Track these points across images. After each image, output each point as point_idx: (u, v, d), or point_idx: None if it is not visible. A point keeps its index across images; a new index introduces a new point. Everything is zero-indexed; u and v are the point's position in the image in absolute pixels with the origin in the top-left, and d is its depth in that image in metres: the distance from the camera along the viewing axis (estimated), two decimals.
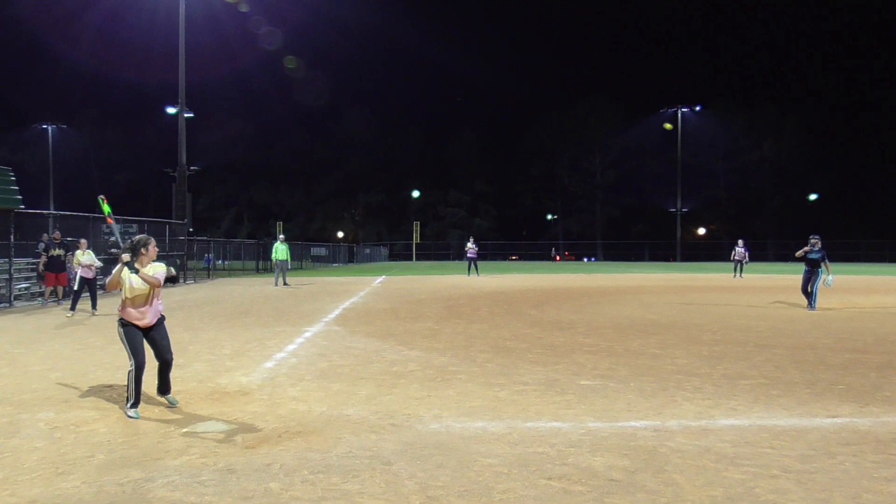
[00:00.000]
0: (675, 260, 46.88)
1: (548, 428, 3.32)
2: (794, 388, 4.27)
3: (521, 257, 53.36)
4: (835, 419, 3.51)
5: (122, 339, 3.56)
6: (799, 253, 9.80)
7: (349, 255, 39.52)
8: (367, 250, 45.85)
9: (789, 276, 18.41)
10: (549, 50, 71.68)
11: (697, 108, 47.38)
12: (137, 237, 3.69)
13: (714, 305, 10.55)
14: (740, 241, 20.86)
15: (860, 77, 59.80)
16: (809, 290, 9.52)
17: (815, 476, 2.61)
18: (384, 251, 48.98)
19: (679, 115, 47.42)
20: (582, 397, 4.01)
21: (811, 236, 9.73)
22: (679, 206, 47.91)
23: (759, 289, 14.73)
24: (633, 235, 54.78)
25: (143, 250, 3.61)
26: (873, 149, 51.48)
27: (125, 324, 3.55)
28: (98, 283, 9.24)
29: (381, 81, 72.35)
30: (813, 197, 50.16)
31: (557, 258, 52.86)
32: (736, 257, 20.56)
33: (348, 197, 57.66)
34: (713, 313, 9.21)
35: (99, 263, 9.14)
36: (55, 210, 18.10)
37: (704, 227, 54.95)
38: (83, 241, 9.24)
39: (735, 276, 20.18)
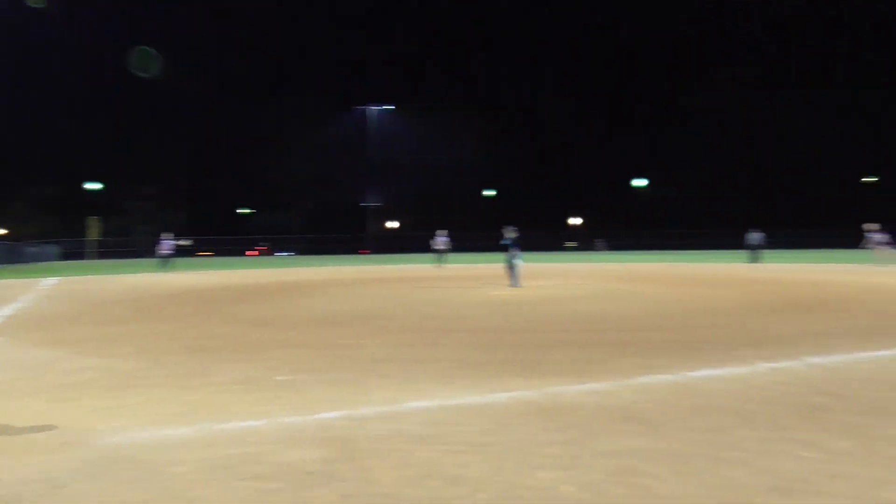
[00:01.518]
0: (369, 252, 51.08)
1: (243, 427, 3.38)
2: (476, 368, 4.89)
3: (218, 252, 51.56)
4: (509, 393, 4.09)
5: None
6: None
7: (8, 256, 34.00)
8: (34, 249, 40.66)
9: (488, 265, 21.33)
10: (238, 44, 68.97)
11: (389, 108, 52.75)
12: None
13: (404, 295, 11.77)
14: (441, 232, 23.11)
15: (530, 87, 72.30)
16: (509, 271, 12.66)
17: (493, 447, 2.99)
18: (56, 250, 44.02)
19: (370, 113, 52.15)
20: (278, 393, 4.11)
21: (505, 227, 12.91)
22: (370, 200, 53.09)
23: (455, 278, 16.93)
24: (329, 229, 58.33)
25: None
26: (537, 152, 65.84)
27: None
28: None
29: (58, 63, 60.91)
30: (489, 193, 61.91)
31: (256, 252, 52.83)
32: (438, 247, 22.83)
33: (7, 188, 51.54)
34: (404, 303, 10.26)
35: None
36: None
37: (397, 220, 61.74)
38: None
39: (439, 265, 22.50)
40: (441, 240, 23.12)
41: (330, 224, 58.06)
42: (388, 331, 7.08)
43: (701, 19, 62.59)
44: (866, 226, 18.64)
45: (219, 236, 54.08)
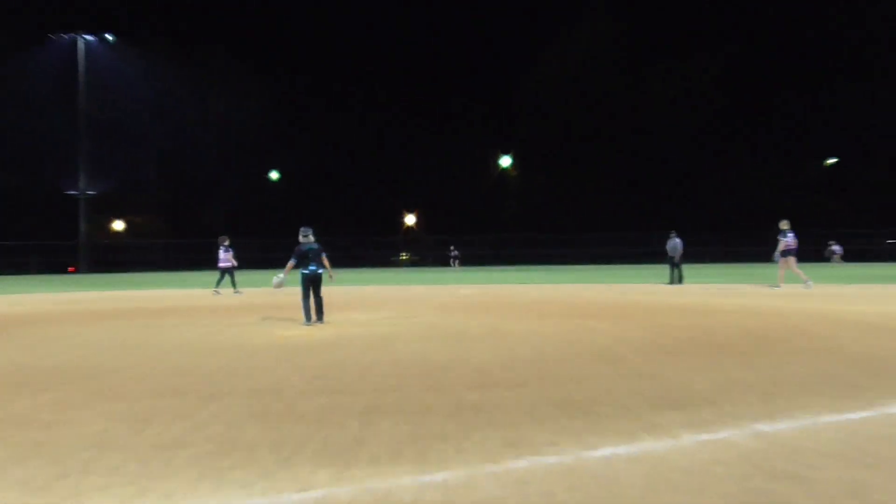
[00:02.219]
0: (75, 271, 47.83)
1: None
2: (255, 454, 4.71)
3: None
4: (309, 494, 3.95)
5: None
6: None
7: None
8: None
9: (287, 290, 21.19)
10: None
11: (110, 38, 49.60)
12: None
13: (145, 339, 11.39)
14: (224, 240, 24.12)
15: (327, 53, 76.95)
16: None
17: None
18: None
19: (83, 45, 48.57)
20: None
21: (303, 228, 12.66)
22: (83, 188, 49.29)
23: (231, 309, 16.71)
24: (15, 234, 53.44)
25: None
26: (350, 117, 67.44)
27: None
28: None
29: None
30: (274, 175, 61.16)
31: None
32: (221, 264, 24.01)
33: None
34: (142, 352, 9.86)
35: None
36: None
37: (127, 219, 58.65)
38: None
39: (217, 291, 23.65)
40: (224, 253, 24.33)
41: (16, 226, 53.56)
42: (116, 396, 6.76)
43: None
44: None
45: None
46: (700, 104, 66.15)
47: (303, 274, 12.77)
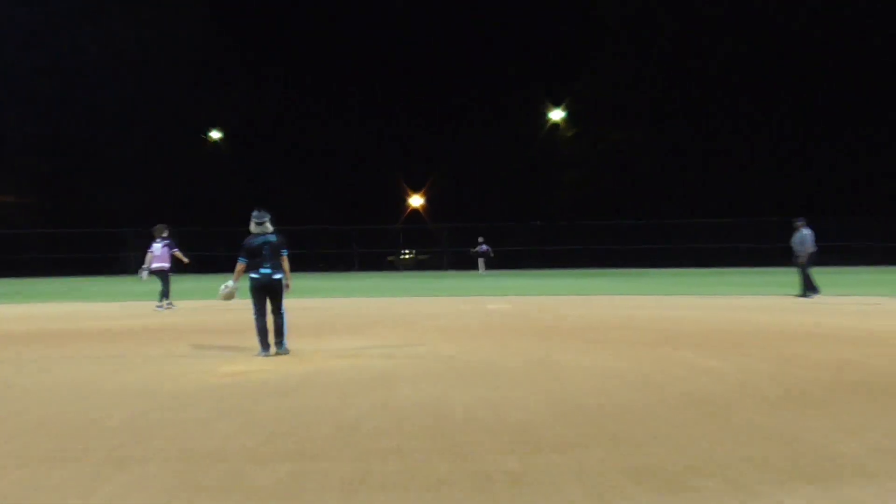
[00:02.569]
0: None
1: None
2: None
3: None
4: None
5: None
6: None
7: None
8: None
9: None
10: None
11: None
12: None
13: (13, 379, 11.54)
14: (161, 230, 24.49)
15: None
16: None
17: None
18: None
19: None
20: None
21: (258, 213, 12.89)
22: None
23: (144, 331, 16.69)
24: None
25: None
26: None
27: None
28: None
29: None
30: (215, 136, 61.69)
31: None
32: (156, 264, 24.40)
33: None
34: (10, 394, 10.04)
35: None
36: None
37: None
38: None
39: (166, 305, 24.37)
40: (160, 250, 24.66)
41: None
42: None
43: None
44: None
45: None
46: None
47: (252, 280, 12.75)
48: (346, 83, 73.54)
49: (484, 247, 54.80)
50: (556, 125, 68.43)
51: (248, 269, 12.63)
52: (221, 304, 14.41)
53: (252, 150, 68.73)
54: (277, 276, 12.75)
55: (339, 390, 9.83)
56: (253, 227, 12.70)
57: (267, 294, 12.70)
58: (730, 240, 57.17)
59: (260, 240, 12.63)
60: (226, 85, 66.77)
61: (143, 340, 15.46)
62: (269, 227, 12.78)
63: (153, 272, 24.52)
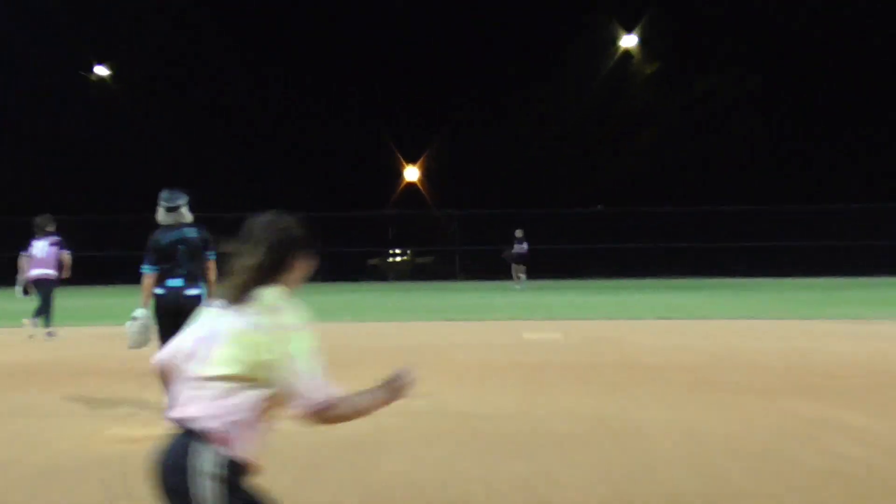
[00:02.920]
0: None
1: None
2: None
3: None
4: None
5: None
6: None
7: None
8: None
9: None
10: None
11: None
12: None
13: None
14: (47, 227, 24.71)
15: None
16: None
17: None
18: None
19: None
20: None
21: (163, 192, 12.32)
22: None
23: (7, 372, 17.14)
24: None
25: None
26: None
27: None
28: None
29: None
30: (104, 73, 63.52)
31: None
32: (35, 271, 24.51)
33: None
34: None
35: None
36: None
37: None
38: None
39: (48, 332, 24.36)
40: (44, 251, 24.62)
41: None
42: None
43: None
44: None
45: None
46: None
47: (156, 297, 12.19)
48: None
49: (524, 245, 52.56)
50: (628, 54, 68.33)
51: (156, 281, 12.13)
52: (130, 347, 13.30)
53: (166, 99, 69.30)
54: (193, 293, 12.08)
55: (294, 465, 9.65)
56: (161, 216, 12.17)
57: (178, 320, 11.76)
58: (880, 234, 56.06)
59: (172, 236, 12.14)
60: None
61: (2, 385, 15.63)
62: (187, 216, 12.29)
63: (33, 282, 24.49)
